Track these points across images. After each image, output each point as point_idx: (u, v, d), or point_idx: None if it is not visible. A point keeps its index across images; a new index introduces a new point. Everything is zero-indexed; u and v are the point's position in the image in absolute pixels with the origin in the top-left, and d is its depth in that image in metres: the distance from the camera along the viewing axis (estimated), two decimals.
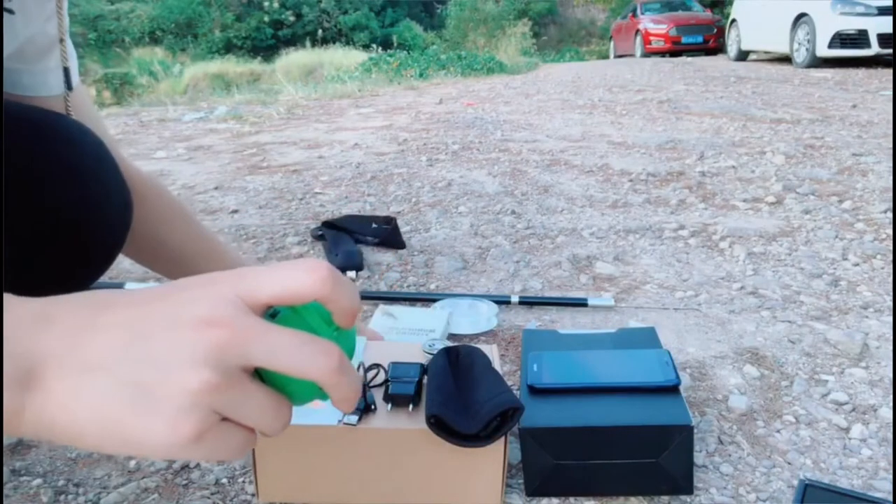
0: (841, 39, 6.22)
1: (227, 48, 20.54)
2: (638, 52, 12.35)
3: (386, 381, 0.72)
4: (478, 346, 0.81)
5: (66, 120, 0.67)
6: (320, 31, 20.16)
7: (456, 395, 0.70)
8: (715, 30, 11.82)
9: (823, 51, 6.33)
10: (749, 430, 0.86)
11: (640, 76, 6.24)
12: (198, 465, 0.80)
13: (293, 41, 19.82)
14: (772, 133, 2.97)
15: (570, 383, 0.78)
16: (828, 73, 5.88)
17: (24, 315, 0.30)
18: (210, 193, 2.13)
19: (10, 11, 0.64)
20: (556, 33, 22.07)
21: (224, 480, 0.77)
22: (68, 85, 0.72)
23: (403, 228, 1.67)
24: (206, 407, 0.30)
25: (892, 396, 0.93)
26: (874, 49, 6.10)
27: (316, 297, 0.33)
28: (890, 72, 5.54)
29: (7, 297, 0.31)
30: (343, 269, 1.41)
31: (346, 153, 2.78)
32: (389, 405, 0.70)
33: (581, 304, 1.24)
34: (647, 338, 0.94)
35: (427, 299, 1.27)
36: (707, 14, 12.94)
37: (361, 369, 0.73)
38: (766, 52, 8.07)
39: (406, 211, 1.90)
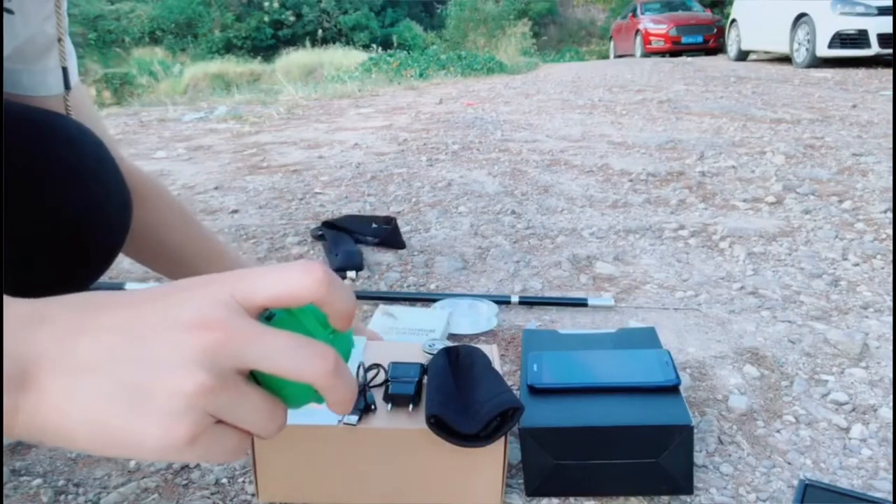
0: (841, 39, 6.22)
1: (227, 48, 20.54)
2: (638, 52, 12.35)
3: (386, 381, 0.72)
4: (478, 346, 0.81)
5: (65, 120, 0.67)
6: (320, 31, 20.16)
7: (456, 395, 0.70)
8: (715, 30, 11.82)
9: (823, 51, 6.33)
10: (749, 430, 0.86)
11: (640, 76, 6.24)
12: (198, 465, 0.80)
13: (293, 41, 19.82)
14: (772, 133, 2.97)
15: (570, 383, 0.78)
16: (828, 73, 5.88)
17: (18, 316, 0.30)
18: (210, 193, 2.13)
19: (10, 11, 0.64)
20: (556, 33, 22.07)
21: (224, 480, 0.77)
22: (67, 84, 0.72)
23: (403, 228, 1.67)
24: (201, 409, 0.30)
25: (892, 396, 0.93)
26: (874, 49, 6.10)
27: (311, 300, 0.33)
28: (890, 72, 5.54)
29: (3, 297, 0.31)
30: (343, 269, 1.41)
31: (346, 153, 2.78)
32: (389, 405, 0.70)
33: (581, 304, 1.24)
34: (647, 338, 0.94)
35: (427, 299, 1.27)
36: (707, 14, 12.94)
37: (361, 369, 0.73)
38: (766, 52, 8.07)
39: (406, 211, 1.90)
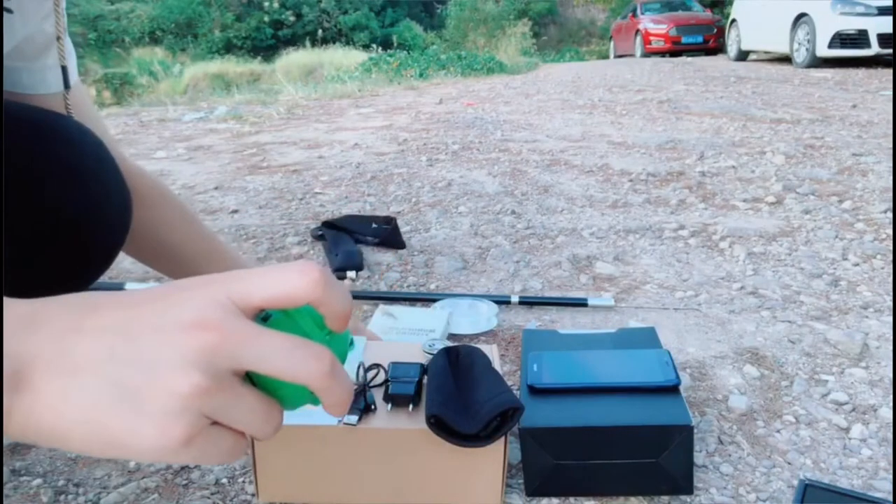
0: (841, 39, 6.22)
1: (227, 48, 20.54)
2: (638, 52, 12.35)
3: (386, 381, 0.72)
4: (478, 346, 0.81)
5: (66, 120, 0.67)
6: (320, 31, 20.16)
7: (456, 395, 0.70)
8: (715, 30, 11.81)
9: (823, 51, 6.33)
10: (749, 430, 0.86)
11: (640, 76, 6.24)
12: (198, 465, 0.80)
13: (293, 41, 19.81)
14: (772, 133, 2.97)
15: (570, 383, 0.78)
16: (828, 73, 5.88)
17: (15, 316, 0.30)
18: (210, 193, 2.13)
19: (9, 11, 0.64)
20: (556, 33, 22.07)
21: (224, 480, 0.77)
22: (66, 83, 0.72)
23: (403, 228, 1.67)
24: (196, 411, 0.29)
25: (892, 396, 0.93)
26: (874, 49, 6.10)
27: (308, 301, 0.33)
28: (890, 72, 5.54)
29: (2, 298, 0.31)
30: (343, 269, 1.41)
31: (346, 153, 2.78)
32: (389, 405, 0.70)
33: (581, 304, 1.24)
34: (647, 338, 0.94)
35: (427, 299, 1.27)
36: (707, 14, 12.94)
37: (361, 369, 0.73)
38: (766, 52, 8.07)
39: (406, 211, 1.90)
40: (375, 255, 1.53)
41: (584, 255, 1.52)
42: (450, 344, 0.81)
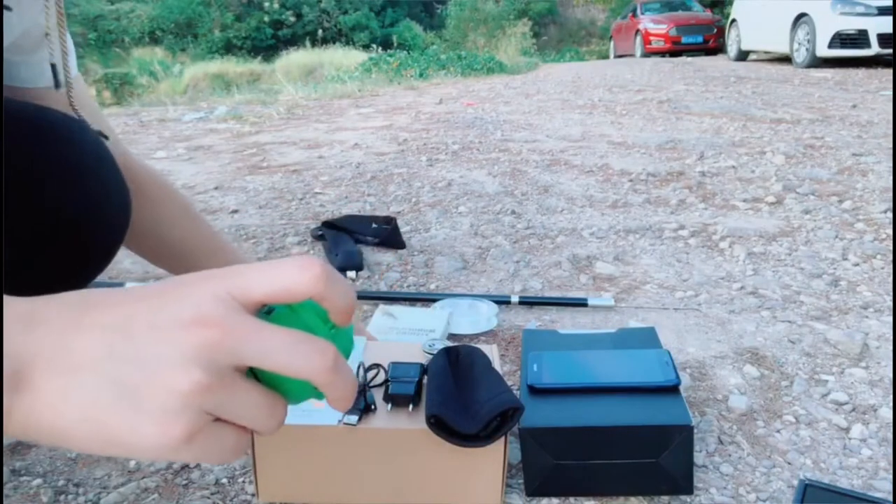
0: (841, 39, 6.22)
1: (227, 48, 20.53)
2: (638, 52, 12.35)
3: (386, 381, 0.72)
4: (478, 346, 0.81)
5: (65, 118, 0.67)
6: (320, 31, 20.16)
7: (456, 395, 0.70)
8: (715, 30, 11.81)
9: (823, 51, 6.32)
10: (749, 430, 0.86)
11: (640, 76, 6.24)
12: (198, 465, 0.80)
13: (293, 41, 19.81)
14: (772, 133, 2.97)
15: (570, 383, 0.78)
16: (828, 73, 5.88)
17: (14, 315, 0.30)
18: (210, 193, 2.13)
19: (9, 9, 0.64)
20: (556, 33, 22.07)
21: (224, 480, 0.77)
22: (56, 82, 0.71)
23: (403, 228, 1.67)
24: (197, 408, 0.29)
25: (892, 396, 0.93)
26: (874, 49, 6.10)
27: (310, 296, 0.32)
28: (890, 72, 5.54)
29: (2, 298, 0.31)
30: (343, 269, 1.41)
31: (346, 153, 2.78)
32: (389, 405, 0.70)
33: (581, 304, 1.24)
34: (647, 338, 0.94)
35: (427, 299, 1.27)
36: (707, 14, 12.93)
37: (361, 369, 0.73)
38: (766, 52, 8.06)
39: (406, 211, 1.90)
40: (375, 255, 1.53)
41: (584, 255, 1.52)
42: (450, 344, 0.81)
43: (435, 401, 0.67)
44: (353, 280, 1.39)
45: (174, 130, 3.58)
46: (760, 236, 1.62)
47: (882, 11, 6.02)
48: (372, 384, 0.73)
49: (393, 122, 3.72)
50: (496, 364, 0.78)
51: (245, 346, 0.30)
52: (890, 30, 5.89)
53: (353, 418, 0.68)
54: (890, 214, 1.74)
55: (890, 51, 5.92)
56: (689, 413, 0.72)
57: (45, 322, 0.30)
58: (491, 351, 0.82)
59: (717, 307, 1.24)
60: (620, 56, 13.21)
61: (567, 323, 1.20)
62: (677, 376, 0.77)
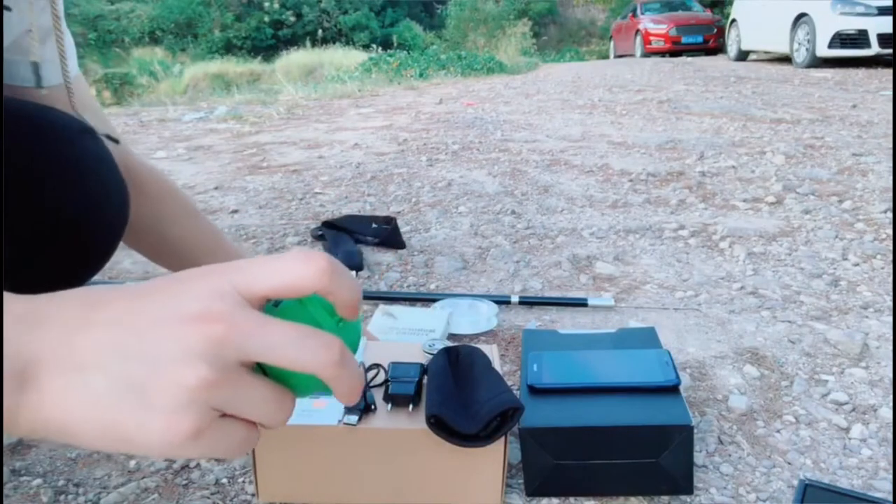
0: (841, 39, 6.22)
1: (227, 48, 20.53)
2: (638, 52, 12.35)
3: (386, 381, 0.72)
4: (478, 346, 0.81)
5: (65, 117, 0.67)
6: (320, 31, 20.15)
7: (456, 395, 0.70)
8: (715, 30, 11.81)
9: (823, 51, 6.32)
10: (749, 430, 0.86)
11: (640, 76, 6.24)
12: (198, 464, 0.80)
13: (293, 41, 19.81)
14: (772, 133, 2.97)
15: (570, 383, 0.78)
16: (828, 73, 5.88)
17: (17, 314, 0.30)
18: (210, 193, 2.13)
19: (8, 9, 0.64)
20: (556, 33, 22.06)
21: (224, 480, 0.77)
22: (37, 79, 0.71)
23: (403, 228, 1.67)
24: (204, 404, 0.29)
25: (892, 396, 0.93)
26: (874, 49, 6.10)
27: (315, 290, 0.32)
28: (890, 72, 5.54)
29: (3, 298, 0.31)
30: None
31: (346, 153, 2.78)
32: (389, 405, 0.70)
33: (581, 304, 1.24)
34: (647, 338, 0.94)
35: (427, 299, 1.27)
36: (707, 14, 12.93)
37: (361, 369, 0.73)
38: (766, 52, 8.06)
39: (406, 211, 1.90)
40: (375, 255, 1.53)
41: (584, 255, 1.52)
42: (450, 344, 0.81)
43: (435, 401, 0.67)
44: None
45: (174, 130, 3.58)
46: (760, 236, 1.62)
47: (882, 11, 6.02)
48: (372, 384, 0.73)
49: (393, 122, 3.72)
50: (496, 364, 0.78)
51: (250, 340, 0.30)
52: (890, 30, 5.89)
53: (353, 418, 0.68)
54: (890, 214, 1.74)
55: (890, 51, 5.92)
56: (689, 413, 0.72)
57: (48, 320, 0.30)
58: (491, 351, 0.82)
59: (717, 307, 1.24)
60: (620, 56, 13.21)
61: (567, 323, 1.20)
62: (677, 376, 0.77)
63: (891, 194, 1.91)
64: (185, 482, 0.77)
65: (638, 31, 12.46)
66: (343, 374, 0.32)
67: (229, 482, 0.77)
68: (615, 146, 2.77)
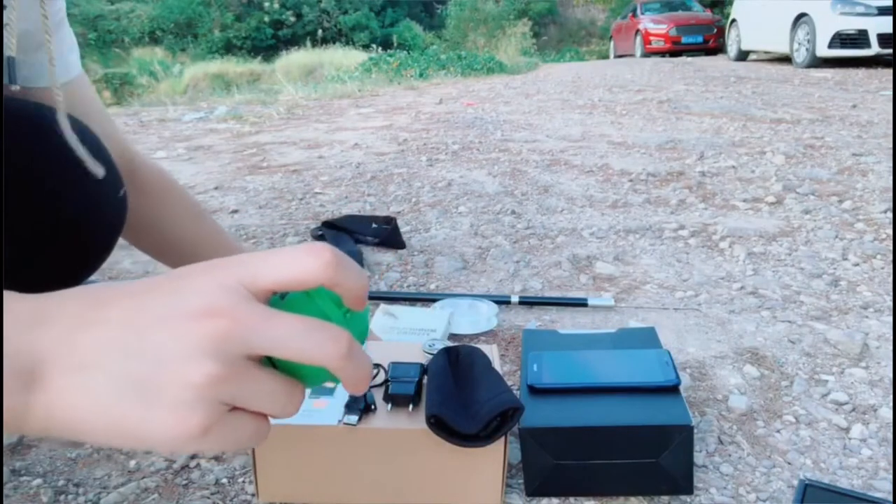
0: (841, 39, 6.22)
1: (227, 48, 20.53)
2: (638, 52, 12.35)
3: (386, 381, 0.72)
4: (478, 346, 0.81)
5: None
6: (320, 31, 20.15)
7: (456, 395, 0.70)
8: (715, 30, 11.81)
9: (823, 51, 6.32)
10: (749, 430, 0.86)
11: (640, 76, 6.24)
12: (198, 464, 0.80)
13: (293, 41, 19.80)
14: (772, 133, 2.97)
15: (570, 383, 0.78)
16: (828, 73, 5.88)
17: (21, 314, 0.30)
18: (210, 193, 2.13)
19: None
20: (556, 33, 22.06)
21: (224, 480, 0.77)
22: (11, 76, 0.70)
23: (403, 228, 1.67)
24: (212, 399, 0.29)
25: (892, 396, 0.93)
26: (874, 49, 6.10)
27: (321, 283, 0.32)
28: (890, 72, 5.54)
29: (4, 293, 0.31)
30: None
31: (346, 153, 2.78)
32: (389, 405, 0.70)
33: (581, 304, 1.24)
34: (647, 338, 0.94)
35: (427, 299, 1.27)
36: (707, 14, 12.93)
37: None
38: (766, 52, 8.06)
39: (406, 211, 1.90)
40: (375, 255, 1.53)
41: (584, 255, 1.52)
42: (450, 344, 0.81)
43: (435, 401, 0.67)
44: None
45: (174, 130, 3.58)
46: (760, 236, 1.62)
47: (882, 11, 6.02)
48: (372, 384, 0.73)
49: (393, 122, 3.72)
50: (496, 364, 0.78)
51: (256, 334, 0.30)
52: (890, 30, 5.89)
53: (353, 418, 0.68)
54: (890, 214, 1.74)
55: (890, 51, 5.92)
56: (689, 413, 0.72)
57: (50, 319, 0.30)
58: (491, 351, 0.82)
59: (717, 307, 1.24)
60: (620, 56, 13.21)
61: (567, 323, 1.20)
62: (677, 376, 0.77)
63: (891, 194, 1.91)
64: (185, 482, 0.77)
65: (638, 31, 12.46)
66: (351, 366, 0.31)
67: (229, 482, 0.77)
68: (615, 146, 2.77)
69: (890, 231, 1.61)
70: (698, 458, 0.80)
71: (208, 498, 0.75)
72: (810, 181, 2.09)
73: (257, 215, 1.88)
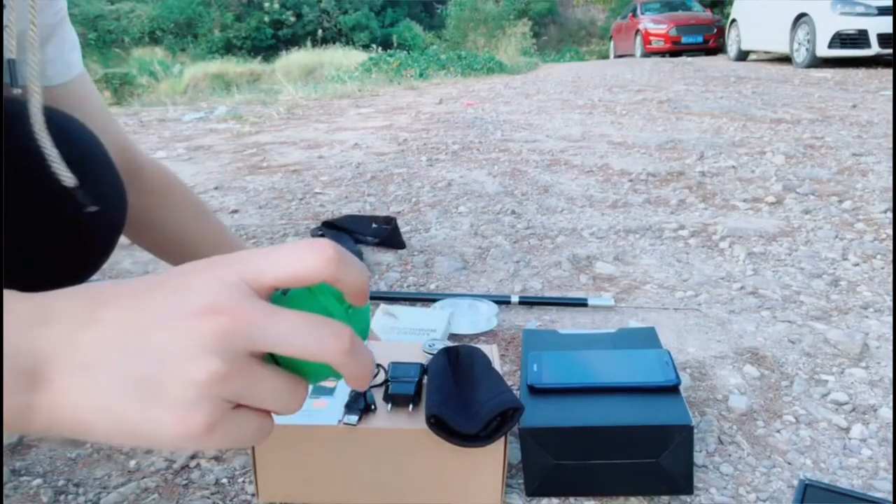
0: (841, 39, 6.22)
1: (227, 48, 20.53)
2: (638, 52, 12.35)
3: (386, 381, 0.72)
4: (478, 346, 0.81)
5: (65, 117, 0.67)
6: (320, 31, 20.16)
7: (456, 395, 0.70)
8: (715, 30, 11.81)
9: (823, 51, 6.32)
10: (749, 430, 0.86)
11: (640, 76, 6.24)
12: (198, 464, 0.80)
13: (293, 41, 19.80)
14: (772, 133, 2.97)
15: (570, 383, 0.78)
16: (828, 73, 5.88)
17: (23, 314, 0.30)
18: (210, 193, 2.13)
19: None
20: (556, 33, 22.06)
21: (224, 480, 0.77)
22: (12, 79, 0.70)
23: (403, 228, 1.67)
24: (216, 397, 0.29)
25: (892, 396, 0.93)
26: (874, 49, 6.10)
27: (323, 279, 0.32)
28: (890, 72, 5.54)
29: (5, 293, 0.31)
30: None
31: (346, 153, 2.78)
32: (389, 405, 0.70)
33: (581, 304, 1.24)
34: (647, 338, 0.94)
35: (427, 299, 1.27)
36: (707, 14, 12.93)
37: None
38: (766, 52, 8.06)
39: (406, 211, 1.90)
40: (375, 255, 1.53)
41: (584, 255, 1.52)
42: (450, 344, 0.81)
43: (435, 401, 0.67)
44: None
45: (174, 130, 3.58)
46: (760, 236, 1.62)
47: (882, 11, 6.02)
48: (372, 384, 0.73)
49: (393, 122, 3.72)
50: (496, 364, 0.78)
51: (259, 331, 0.30)
52: (890, 30, 5.89)
53: (353, 418, 0.68)
54: (890, 214, 1.74)
55: (890, 51, 5.92)
56: (689, 413, 0.72)
57: (52, 318, 0.30)
58: (491, 351, 0.82)
59: (717, 307, 1.24)
60: (620, 56, 13.21)
61: (567, 323, 1.20)
62: (677, 376, 0.77)
63: (891, 194, 1.91)
64: (185, 482, 0.77)
65: (638, 31, 12.46)
66: (353, 362, 0.31)
67: (229, 482, 0.77)
68: (615, 146, 2.77)
69: (890, 231, 1.61)
70: (698, 458, 0.80)
71: (208, 498, 0.75)
72: (810, 181, 2.09)
73: (257, 215, 1.88)
